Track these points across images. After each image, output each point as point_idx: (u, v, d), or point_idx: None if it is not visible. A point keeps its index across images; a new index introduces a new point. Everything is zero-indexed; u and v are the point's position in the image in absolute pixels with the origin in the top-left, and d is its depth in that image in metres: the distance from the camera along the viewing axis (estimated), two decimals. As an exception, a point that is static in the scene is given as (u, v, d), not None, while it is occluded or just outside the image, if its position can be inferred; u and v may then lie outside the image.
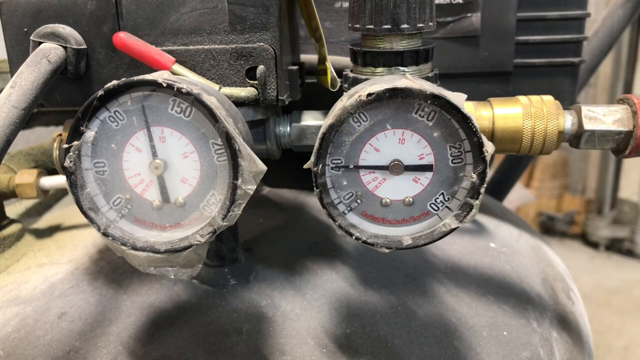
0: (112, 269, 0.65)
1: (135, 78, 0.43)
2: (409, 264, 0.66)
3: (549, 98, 0.54)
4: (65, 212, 0.80)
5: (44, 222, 0.78)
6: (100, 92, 0.43)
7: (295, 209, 0.76)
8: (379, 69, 0.52)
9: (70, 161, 0.44)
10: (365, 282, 0.63)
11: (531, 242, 0.80)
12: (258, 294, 0.60)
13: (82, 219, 0.75)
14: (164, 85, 0.42)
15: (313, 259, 0.66)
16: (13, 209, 0.80)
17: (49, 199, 0.84)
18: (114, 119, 0.44)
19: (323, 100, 0.58)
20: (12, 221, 0.73)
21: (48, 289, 0.63)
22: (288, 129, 0.56)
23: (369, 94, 0.44)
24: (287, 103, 0.52)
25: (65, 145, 0.44)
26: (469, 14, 0.70)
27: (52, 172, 0.74)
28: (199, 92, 0.42)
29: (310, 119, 0.56)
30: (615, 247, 3.45)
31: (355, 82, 0.52)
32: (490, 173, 0.46)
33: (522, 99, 0.54)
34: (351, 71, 0.54)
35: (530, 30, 0.71)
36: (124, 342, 0.56)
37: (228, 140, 0.43)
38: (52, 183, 0.70)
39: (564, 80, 0.73)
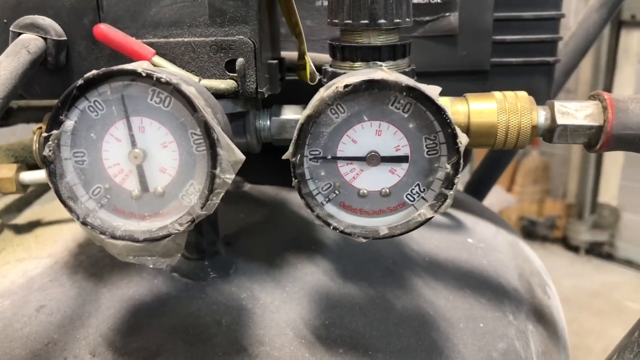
0: (93, 262, 0.65)
1: (115, 67, 0.43)
2: (388, 257, 0.67)
3: (522, 94, 0.56)
4: (46, 208, 0.80)
5: (23, 218, 0.77)
6: (80, 82, 0.43)
7: (276, 204, 0.77)
8: (357, 64, 0.53)
9: (50, 150, 0.44)
10: (344, 275, 0.64)
11: (508, 239, 0.81)
12: (238, 286, 0.61)
13: (63, 215, 0.76)
14: (144, 74, 0.43)
15: (293, 253, 0.66)
16: (-8, 205, 0.79)
17: (28, 196, 0.83)
18: (94, 108, 0.45)
19: (302, 97, 0.58)
20: (-9, 216, 0.73)
21: (27, 283, 0.63)
22: (268, 122, 0.57)
23: (346, 85, 0.44)
24: (266, 96, 0.53)
25: (45, 134, 0.44)
26: (447, 13, 0.72)
27: (32, 167, 0.74)
28: (177, 82, 0.43)
29: (290, 113, 0.57)
30: (595, 251, 3.50)
31: (334, 76, 0.53)
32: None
33: (497, 94, 0.55)
34: (330, 66, 0.55)
35: (506, 29, 0.73)
36: (103, 334, 0.56)
37: (207, 129, 0.43)
38: (32, 178, 0.70)
39: (540, 79, 0.75)
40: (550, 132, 0.55)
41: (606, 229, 3.49)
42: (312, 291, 0.61)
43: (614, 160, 3.40)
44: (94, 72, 0.43)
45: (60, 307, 0.59)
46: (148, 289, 0.60)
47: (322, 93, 0.45)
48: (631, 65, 3.22)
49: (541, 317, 0.68)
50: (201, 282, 0.61)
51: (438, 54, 0.73)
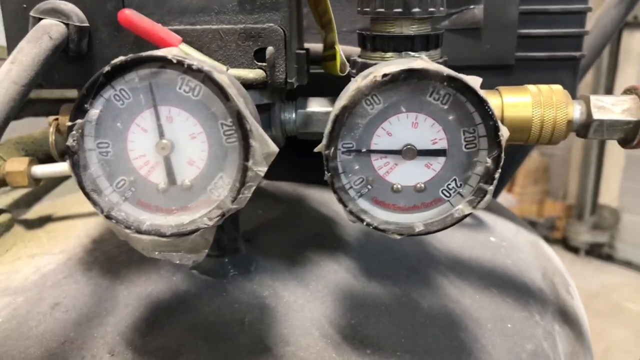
0: (107, 259, 0.63)
1: (144, 54, 0.41)
2: (412, 256, 0.66)
3: (557, 87, 0.54)
4: (56, 203, 0.78)
5: (33, 213, 0.75)
6: (107, 68, 0.41)
7: (295, 201, 0.75)
8: (389, 54, 0.51)
9: (73, 140, 0.42)
10: (368, 274, 0.62)
11: (529, 238, 0.80)
12: (259, 284, 0.59)
13: (74, 210, 0.74)
14: (174, 61, 0.41)
15: (314, 250, 0.64)
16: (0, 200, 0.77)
17: (37, 191, 0.81)
18: (120, 97, 0.43)
19: (325, 90, 0.57)
20: (1, 211, 0.70)
21: (40, 280, 0.60)
22: (293, 115, 0.55)
23: (384, 75, 0.43)
24: (295, 86, 0.51)
25: (69, 123, 0.42)
26: (471, 6, 0.70)
27: (42, 161, 0.72)
28: (209, 70, 0.41)
29: (316, 106, 0.55)
30: (595, 252, 3.50)
31: (364, 67, 0.51)
32: None
33: (531, 87, 0.54)
34: (359, 57, 0.53)
35: (532, 23, 0.71)
36: (122, 332, 0.54)
37: (239, 119, 0.41)
38: (44, 171, 0.68)
39: (565, 74, 0.73)
40: (585, 127, 0.53)
41: (606, 230, 3.48)
42: (336, 290, 0.59)
43: (615, 162, 3.40)
44: (122, 58, 0.41)
45: (75, 305, 0.57)
46: (167, 287, 0.59)
47: (359, 82, 0.43)
48: (633, 67, 3.22)
49: (567, 317, 0.67)
50: (221, 279, 0.59)
51: (462, 47, 0.71)
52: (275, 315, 0.56)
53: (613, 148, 3.37)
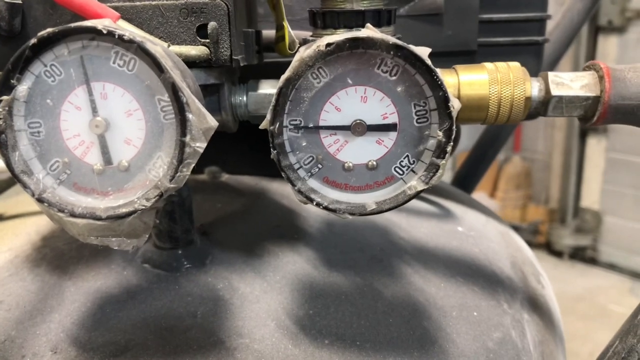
0: (57, 255, 0.60)
1: (73, 24, 0.39)
2: (375, 245, 0.63)
3: (515, 64, 0.53)
4: (8, 203, 0.75)
5: (-17, 213, 0.72)
6: (34, 41, 0.39)
7: (256, 194, 0.73)
8: (339, 31, 0.49)
9: (0, 118, 0.40)
10: (329, 264, 0.60)
11: (499, 228, 0.78)
12: (214, 277, 0.56)
13: (26, 209, 0.71)
14: (104, 32, 0.39)
15: (274, 241, 0.62)
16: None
17: (-9, 192, 0.78)
18: (50, 73, 0.40)
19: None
20: (-52, 211, 0.67)
21: (-16, 278, 0.57)
22: (245, 98, 0.53)
23: (328, 44, 0.41)
24: (242, 65, 0.49)
25: (-6, 101, 0.39)
26: (431, -9, 0.69)
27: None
28: (142, 40, 0.39)
29: (269, 87, 0.53)
30: (579, 255, 3.50)
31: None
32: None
33: (488, 65, 0.52)
34: (311, 36, 0.51)
35: (493, 8, 0.70)
36: (67, 329, 0.51)
37: (174, 92, 0.39)
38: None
39: (529, 59, 0.72)
40: (544, 105, 0.52)
41: (589, 233, 3.49)
42: (295, 280, 0.57)
43: (595, 165, 3.41)
44: (49, 30, 0.39)
45: (19, 303, 0.54)
46: (117, 281, 0.56)
47: (302, 53, 0.42)
48: (609, 70, 3.24)
49: (536, 306, 0.65)
50: (174, 272, 0.57)
51: (423, 33, 0.70)
52: (229, 308, 0.53)
53: (593, 151, 3.39)
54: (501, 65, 0.52)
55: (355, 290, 0.56)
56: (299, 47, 0.52)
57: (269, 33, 0.60)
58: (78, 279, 0.56)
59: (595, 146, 3.38)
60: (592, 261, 3.47)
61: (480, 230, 0.74)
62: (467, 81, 0.51)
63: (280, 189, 0.74)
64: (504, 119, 0.52)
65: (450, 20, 0.70)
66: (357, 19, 0.48)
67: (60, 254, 0.60)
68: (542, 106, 0.52)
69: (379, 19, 0.49)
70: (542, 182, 3.71)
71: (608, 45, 3.21)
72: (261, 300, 0.54)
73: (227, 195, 0.73)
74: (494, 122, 0.53)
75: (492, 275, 0.65)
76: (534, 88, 0.52)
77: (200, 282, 0.56)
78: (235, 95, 0.53)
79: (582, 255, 3.49)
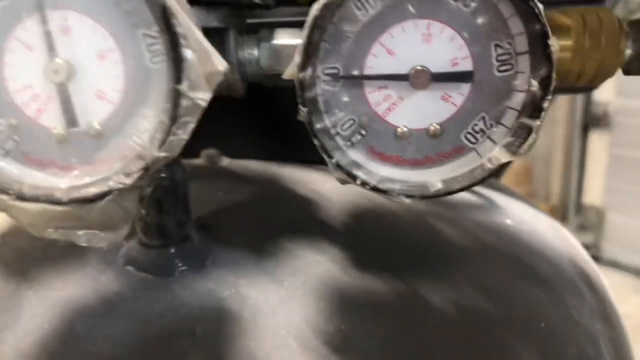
0: (16, 257, 0.48)
1: None
2: (416, 242, 0.52)
3: (607, 14, 0.40)
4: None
5: None
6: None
7: (265, 181, 0.61)
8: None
9: None
10: (360, 265, 0.48)
11: (549, 221, 0.67)
12: (217, 282, 0.44)
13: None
14: None
15: (290, 237, 0.50)
16: None
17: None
18: (-12, -3, 0.28)
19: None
20: None
21: None
22: (256, 51, 0.41)
23: (384, -46, 0.29)
24: (257, 1, 0.37)
25: None
26: None
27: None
28: (119, -57, 0.27)
29: (287, 37, 0.41)
30: (581, 253, 3.43)
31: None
32: None
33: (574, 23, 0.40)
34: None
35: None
36: (24, 353, 0.39)
37: (166, 20, 0.27)
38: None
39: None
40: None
41: (591, 230, 3.43)
42: (320, 286, 0.45)
43: (598, 161, 3.35)
44: None
45: (-37, 319, 0.42)
46: (91, 289, 0.44)
47: (347, -31, 0.30)
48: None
49: (606, 315, 0.54)
50: (166, 277, 0.45)
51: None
52: (238, 323, 0.41)
53: (595, 146, 3.33)
54: (591, 21, 0.39)
55: (397, 298, 0.45)
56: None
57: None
58: (41, 287, 0.44)
59: (598, 141, 3.32)
60: (595, 259, 3.36)
61: (530, 224, 0.62)
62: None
63: (293, 175, 0.62)
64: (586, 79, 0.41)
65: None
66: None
67: (20, 255, 0.48)
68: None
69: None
70: (543, 179, 3.64)
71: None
72: (278, 313, 0.42)
73: (230, 182, 0.60)
74: (575, 84, 0.42)
75: (553, 277, 0.54)
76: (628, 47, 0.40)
77: (199, 289, 0.44)
78: (243, 49, 0.41)
79: (585, 253, 3.42)
